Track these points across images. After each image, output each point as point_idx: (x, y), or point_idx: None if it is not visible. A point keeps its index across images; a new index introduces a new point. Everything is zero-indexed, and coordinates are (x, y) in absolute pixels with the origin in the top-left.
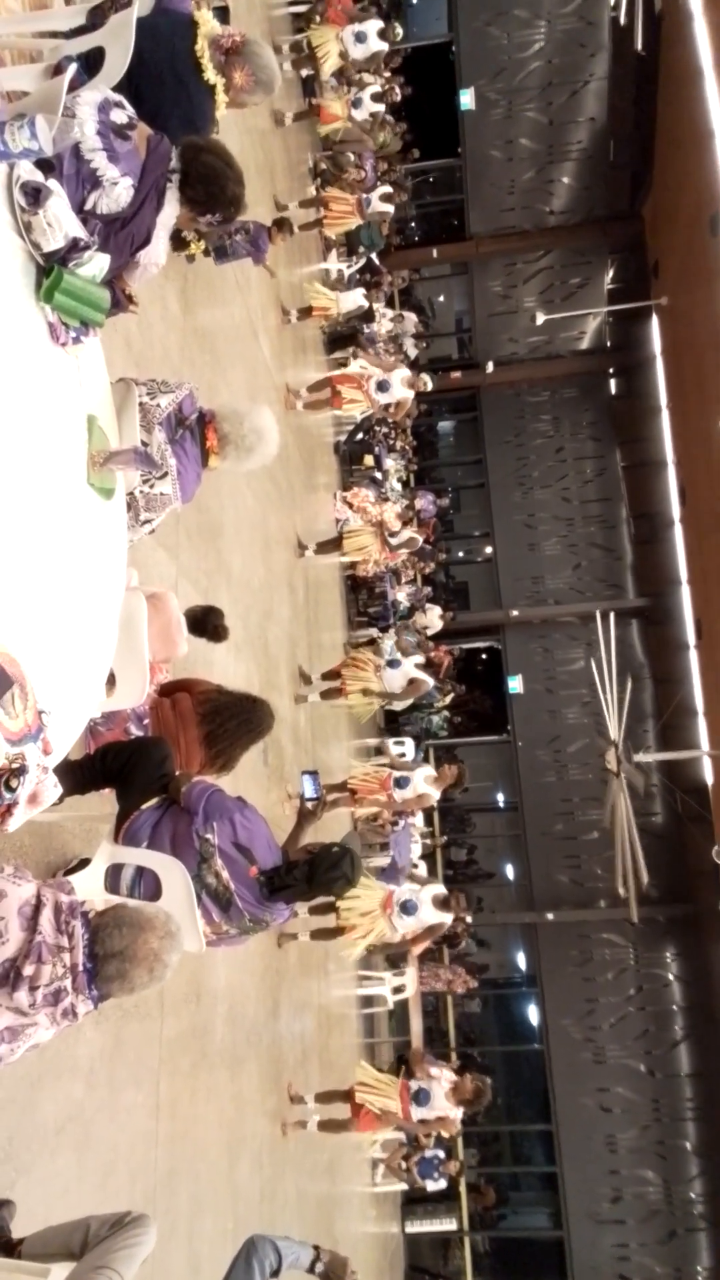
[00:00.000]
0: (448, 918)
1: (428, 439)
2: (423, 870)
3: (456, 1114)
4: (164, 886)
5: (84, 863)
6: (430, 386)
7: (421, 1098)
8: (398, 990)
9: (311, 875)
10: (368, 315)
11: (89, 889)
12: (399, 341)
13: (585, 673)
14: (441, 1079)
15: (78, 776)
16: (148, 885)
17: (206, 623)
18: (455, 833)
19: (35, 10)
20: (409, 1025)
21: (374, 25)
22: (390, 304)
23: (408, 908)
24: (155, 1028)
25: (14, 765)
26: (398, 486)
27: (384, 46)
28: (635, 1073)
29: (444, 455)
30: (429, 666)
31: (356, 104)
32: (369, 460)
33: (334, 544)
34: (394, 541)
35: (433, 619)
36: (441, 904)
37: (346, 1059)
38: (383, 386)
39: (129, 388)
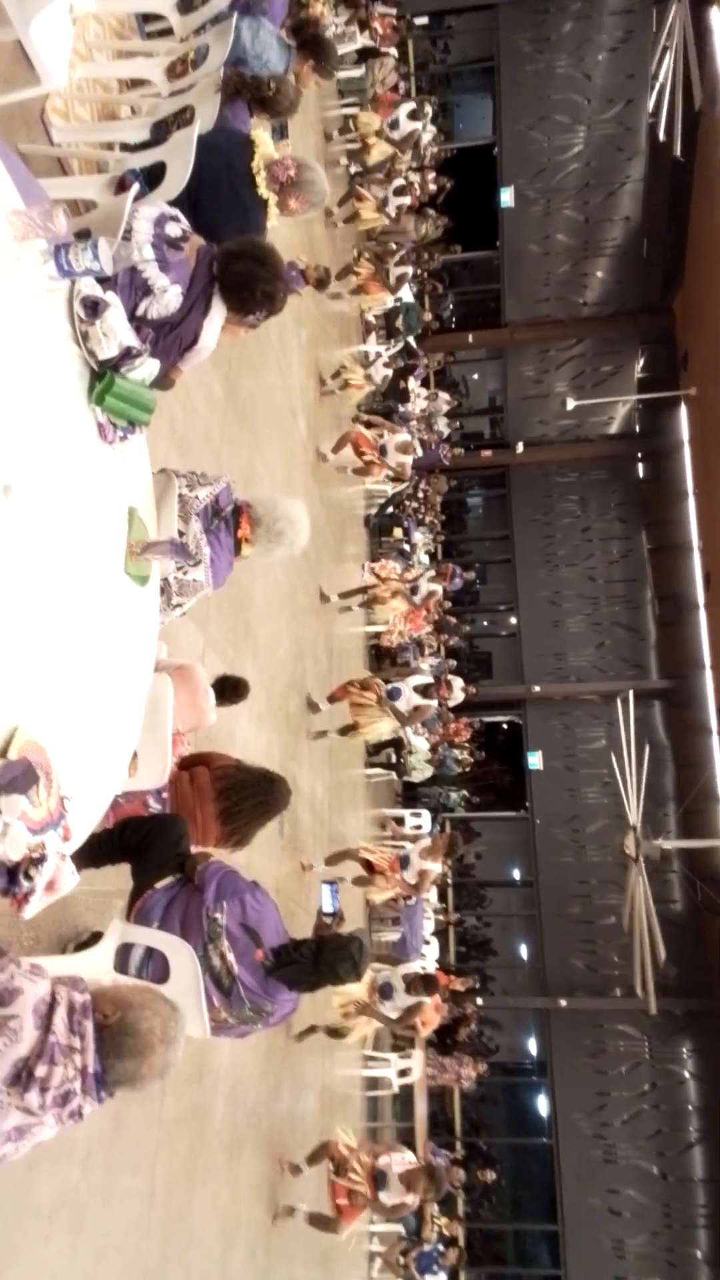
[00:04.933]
0: (424, 999)
1: (457, 513)
2: (435, 947)
3: (411, 1200)
4: (172, 969)
5: (95, 936)
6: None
7: (380, 1180)
8: (403, 1073)
9: (318, 954)
10: (402, 395)
11: (98, 967)
12: (431, 420)
13: (606, 752)
14: (393, 1163)
15: (94, 850)
16: (156, 967)
17: (228, 687)
18: (469, 909)
19: (104, 121)
20: (414, 1110)
21: (404, 109)
22: (425, 384)
23: (385, 991)
24: (155, 1109)
25: (34, 855)
26: (425, 559)
27: (416, 125)
28: (647, 1174)
29: (472, 529)
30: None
31: (385, 203)
32: (398, 533)
33: (358, 594)
34: (416, 598)
35: (455, 691)
36: (414, 985)
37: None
38: (394, 449)
39: (169, 479)
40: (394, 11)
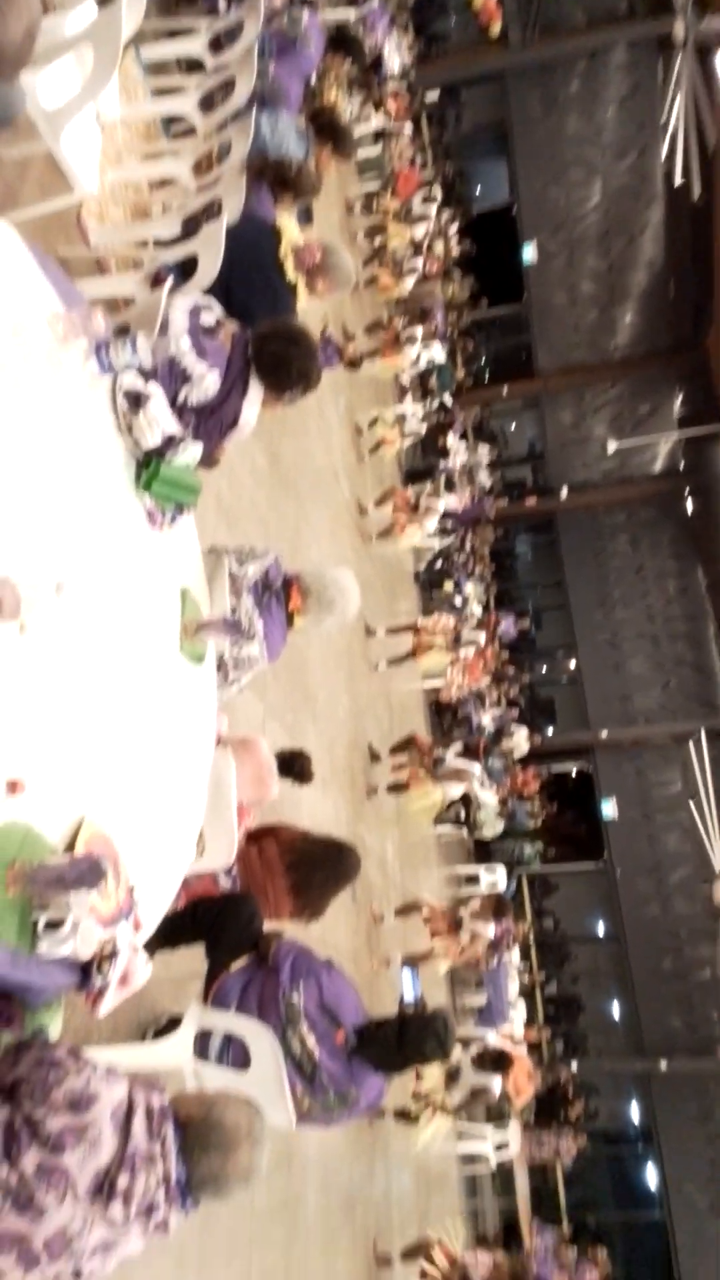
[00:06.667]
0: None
1: (506, 562)
2: (521, 1009)
3: None
4: (252, 1055)
5: (174, 1021)
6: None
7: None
8: (500, 1148)
9: (401, 1034)
10: (442, 451)
11: (178, 1056)
12: (473, 473)
13: (683, 796)
14: (479, 1264)
15: (167, 931)
16: (236, 1054)
17: (293, 765)
18: (555, 967)
19: (137, 220)
20: (515, 1186)
21: (418, 196)
22: (464, 438)
23: (453, 1075)
24: (246, 1199)
25: (106, 950)
26: (478, 610)
27: (428, 209)
28: None
29: (523, 577)
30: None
31: (400, 270)
32: (448, 586)
33: (407, 653)
34: (461, 651)
35: (519, 742)
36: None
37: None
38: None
39: (219, 558)
40: (405, 88)
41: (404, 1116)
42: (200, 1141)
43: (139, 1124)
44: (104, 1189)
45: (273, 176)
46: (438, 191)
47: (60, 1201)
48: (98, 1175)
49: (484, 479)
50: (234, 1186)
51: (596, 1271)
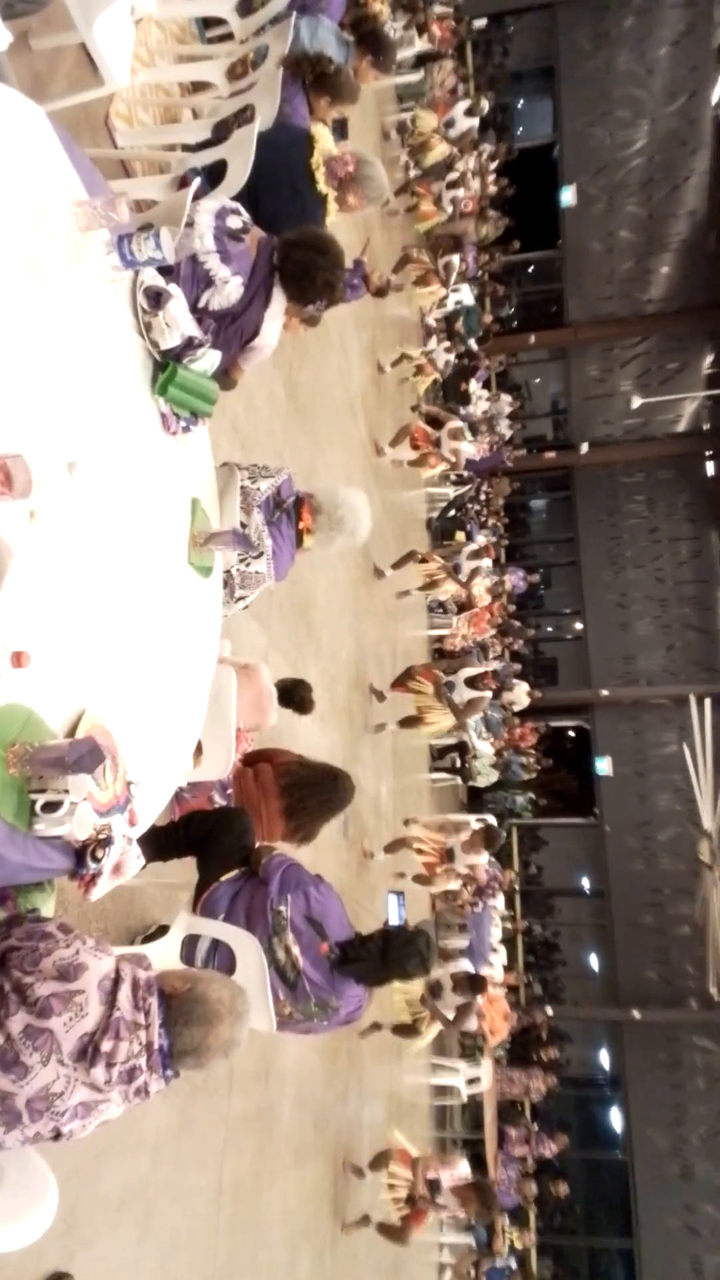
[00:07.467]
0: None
1: (520, 516)
2: (503, 954)
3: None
4: (238, 961)
5: (162, 929)
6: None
7: (435, 1187)
8: (472, 1082)
9: (385, 949)
10: (464, 397)
11: (165, 958)
12: (493, 422)
13: (678, 758)
14: (442, 1177)
15: (160, 843)
16: (222, 959)
17: (294, 694)
18: (538, 917)
19: (166, 124)
20: (483, 1120)
21: (460, 106)
22: (487, 386)
23: (435, 990)
24: (222, 1105)
25: (100, 836)
26: (488, 563)
27: (472, 122)
28: None
29: (536, 533)
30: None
31: (439, 198)
32: (460, 536)
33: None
34: (461, 577)
35: (519, 695)
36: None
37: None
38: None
39: (232, 472)
40: (452, 14)
41: (404, 1029)
42: (183, 1014)
43: (125, 994)
44: (88, 1052)
45: (310, 74)
46: (485, 103)
47: (45, 1062)
48: (82, 1039)
49: (504, 429)
50: (214, 1058)
51: (555, 1145)
